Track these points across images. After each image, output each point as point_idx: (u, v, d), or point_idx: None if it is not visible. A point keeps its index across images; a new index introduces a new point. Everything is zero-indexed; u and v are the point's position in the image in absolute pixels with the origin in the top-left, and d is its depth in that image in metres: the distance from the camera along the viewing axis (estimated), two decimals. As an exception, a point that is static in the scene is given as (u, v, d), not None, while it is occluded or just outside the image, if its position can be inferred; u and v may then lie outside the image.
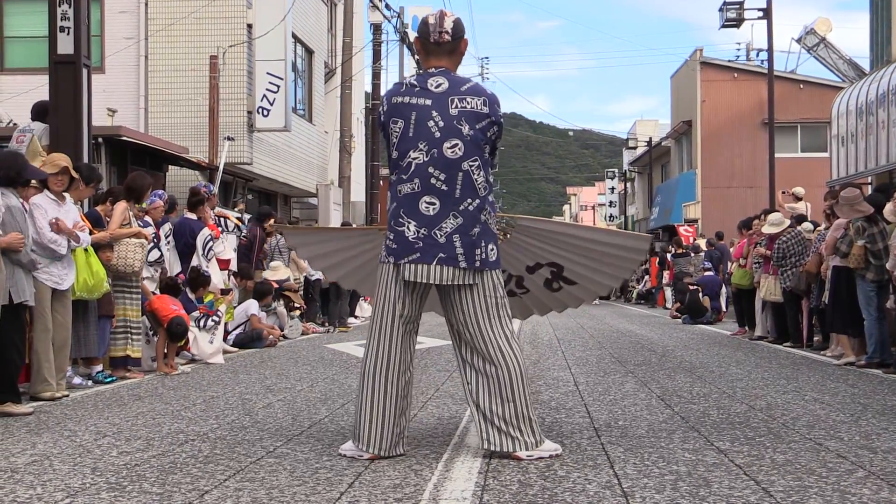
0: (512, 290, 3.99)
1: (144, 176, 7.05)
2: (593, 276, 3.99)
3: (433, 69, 3.45)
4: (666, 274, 19.38)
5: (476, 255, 3.36)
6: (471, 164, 3.35)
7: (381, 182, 20.64)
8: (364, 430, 3.41)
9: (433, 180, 3.33)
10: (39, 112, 7.68)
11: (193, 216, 8.29)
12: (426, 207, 3.33)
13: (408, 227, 3.34)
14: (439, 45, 3.43)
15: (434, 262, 3.32)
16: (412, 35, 25.64)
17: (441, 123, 3.35)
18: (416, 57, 23.54)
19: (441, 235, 3.33)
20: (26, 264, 4.80)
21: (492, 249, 3.42)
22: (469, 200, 3.35)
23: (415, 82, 3.43)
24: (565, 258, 3.93)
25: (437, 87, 3.38)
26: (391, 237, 3.40)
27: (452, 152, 3.33)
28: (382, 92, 20.21)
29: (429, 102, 3.36)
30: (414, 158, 3.35)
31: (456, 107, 3.36)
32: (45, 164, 5.43)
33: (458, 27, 3.44)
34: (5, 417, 4.45)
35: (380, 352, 3.42)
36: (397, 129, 3.39)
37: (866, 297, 6.90)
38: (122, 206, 6.44)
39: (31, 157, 5.67)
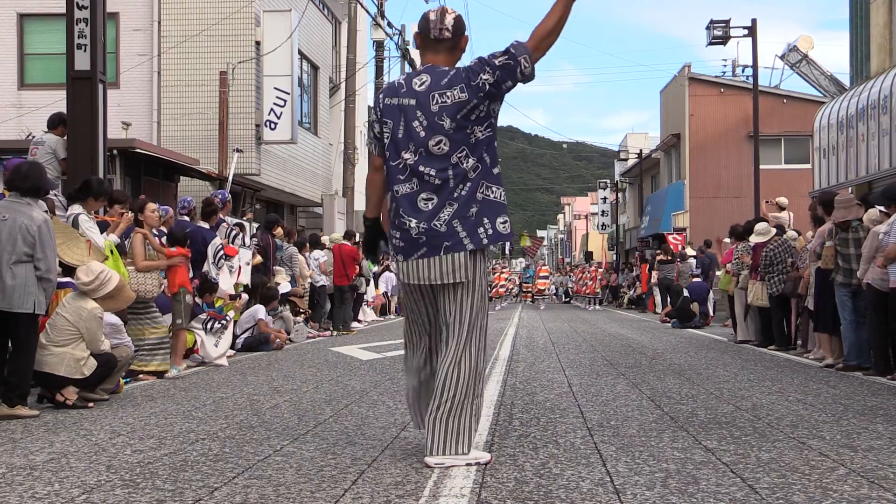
0: None
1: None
2: None
3: (421, 67, 3.46)
4: (654, 273, 19.56)
5: (479, 233, 3.35)
6: (458, 155, 3.33)
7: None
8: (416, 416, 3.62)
9: (427, 178, 3.34)
10: (53, 123, 7.74)
11: (206, 225, 8.49)
12: (424, 204, 3.35)
13: (409, 224, 3.37)
14: (439, 41, 3.40)
15: (442, 252, 3.33)
16: (413, 52, 25.37)
17: (425, 122, 3.34)
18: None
19: (441, 225, 3.33)
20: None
21: (502, 222, 3.39)
22: (461, 187, 3.34)
23: (402, 82, 3.44)
24: None
25: (420, 86, 3.37)
26: (397, 235, 3.43)
27: (438, 149, 3.33)
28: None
29: (413, 102, 3.37)
30: (406, 159, 3.37)
31: (436, 102, 3.33)
32: None
33: (458, 24, 3.42)
34: (18, 420, 4.52)
35: (407, 345, 3.62)
36: (388, 131, 3.41)
37: (840, 301, 7.05)
38: (138, 237, 6.43)
39: None
